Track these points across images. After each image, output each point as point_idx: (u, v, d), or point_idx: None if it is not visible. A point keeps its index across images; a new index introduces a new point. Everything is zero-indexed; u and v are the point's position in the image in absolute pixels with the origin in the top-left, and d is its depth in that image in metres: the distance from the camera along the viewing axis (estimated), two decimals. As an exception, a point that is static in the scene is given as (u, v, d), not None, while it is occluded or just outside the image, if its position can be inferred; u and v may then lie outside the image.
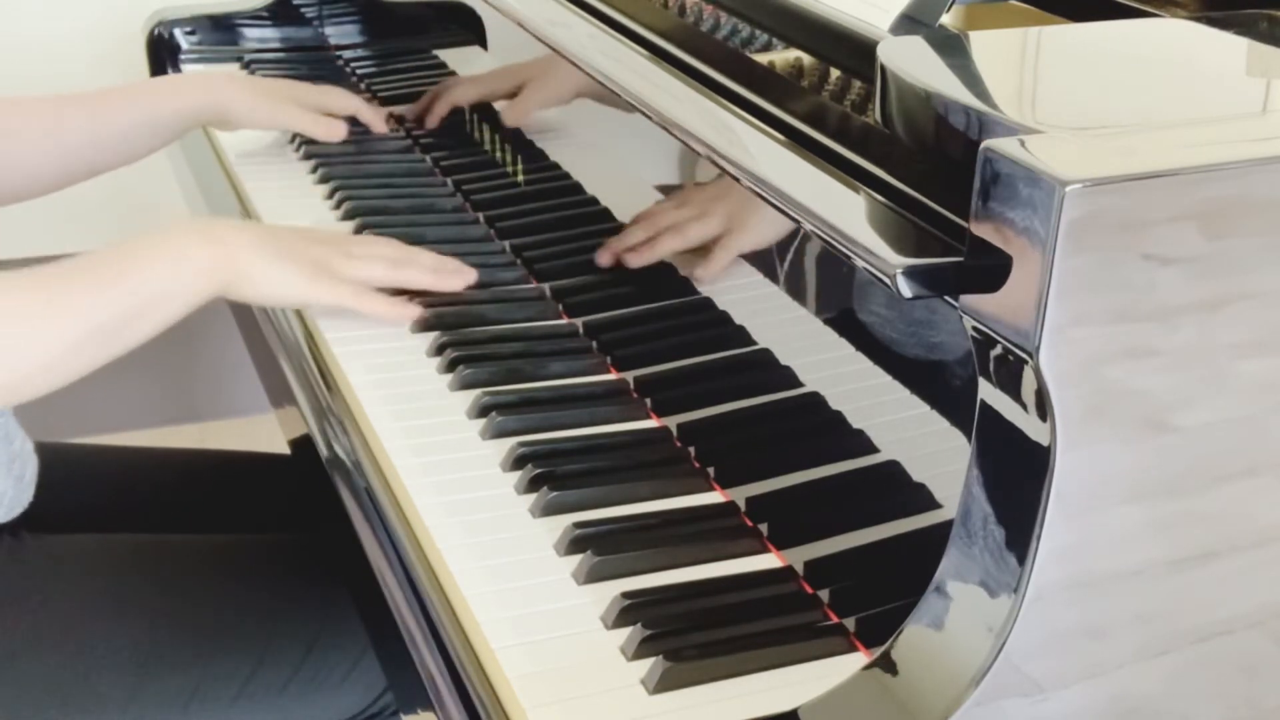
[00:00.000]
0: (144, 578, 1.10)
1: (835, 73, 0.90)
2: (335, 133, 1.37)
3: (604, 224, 1.09)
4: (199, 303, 1.01)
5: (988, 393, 0.66)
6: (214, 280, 1.01)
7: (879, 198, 0.75)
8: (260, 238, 1.05)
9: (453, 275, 1.13)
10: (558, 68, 1.14)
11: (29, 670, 1.02)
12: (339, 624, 1.10)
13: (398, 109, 1.46)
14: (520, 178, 1.26)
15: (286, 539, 1.18)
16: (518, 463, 0.93)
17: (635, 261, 1.04)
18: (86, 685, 1.03)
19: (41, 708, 1.02)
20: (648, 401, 1.01)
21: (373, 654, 1.07)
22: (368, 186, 1.35)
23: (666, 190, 1.02)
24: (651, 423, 0.99)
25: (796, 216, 0.77)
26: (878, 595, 0.78)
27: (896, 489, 0.78)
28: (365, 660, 1.10)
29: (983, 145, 0.63)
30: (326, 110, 1.38)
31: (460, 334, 1.09)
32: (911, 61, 0.75)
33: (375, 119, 1.42)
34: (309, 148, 1.43)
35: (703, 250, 0.96)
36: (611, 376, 1.05)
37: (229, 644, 1.07)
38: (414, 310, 1.10)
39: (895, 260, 0.67)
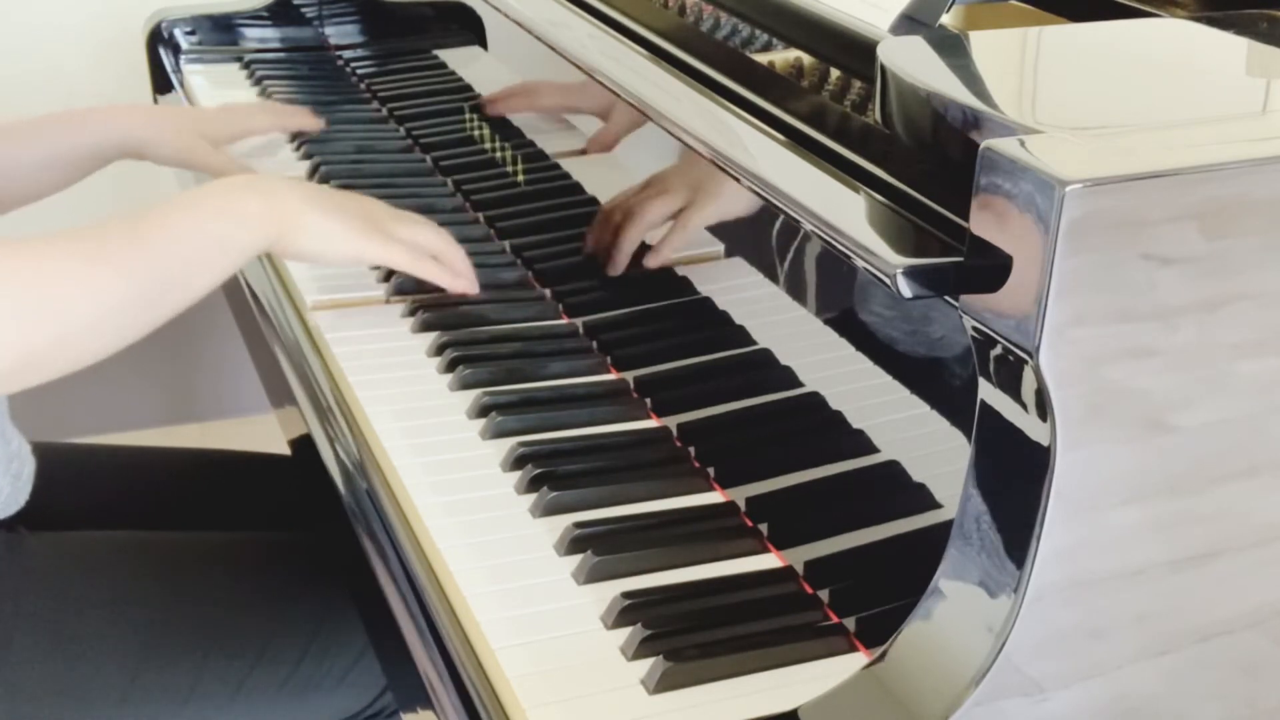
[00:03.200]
0: (143, 574, 1.10)
1: (835, 73, 0.90)
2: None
3: (604, 224, 1.08)
4: (250, 257, 0.99)
5: (988, 393, 0.66)
6: (265, 233, 0.98)
7: (879, 198, 0.75)
8: (312, 191, 1.03)
9: (467, 283, 1.11)
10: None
11: (27, 665, 1.02)
12: (339, 623, 1.10)
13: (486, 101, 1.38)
14: (520, 178, 1.26)
15: (286, 538, 1.18)
16: (518, 463, 0.93)
17: (617, 263, 1.04)
18: (84, 680, 1.03)
19: (39, 703, 1.02)
20: (648, 401, 1.01)
21: (372, 653, 1.07)
22: (368, 187, 1.35)
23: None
24: (651, 423, 0.99)
25: (796, 216, 0.77)
26: (878, 595, 0.78)
27: (896, 489, 0.78)
28: (365, 659, 1.10)
29: (983, 145, 0.63)
30: (242, 135, 1.36)
31: (460, 334, 1.09)
32: (911, 61, 0.75)
33: (305, 121, 1.42)
34: (309, 147, 1.43)
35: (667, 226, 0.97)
36: (611, 376, 1.05)
37: (228, 641, 1.07)
38: (472, 279, 1.09)
39: (895, 260, 0.67)
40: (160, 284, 0.93)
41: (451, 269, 1.10)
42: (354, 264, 1.10)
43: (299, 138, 1.45)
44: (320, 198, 1.03)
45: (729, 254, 0.94)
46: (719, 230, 0.95)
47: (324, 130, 1.44)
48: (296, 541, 1.17)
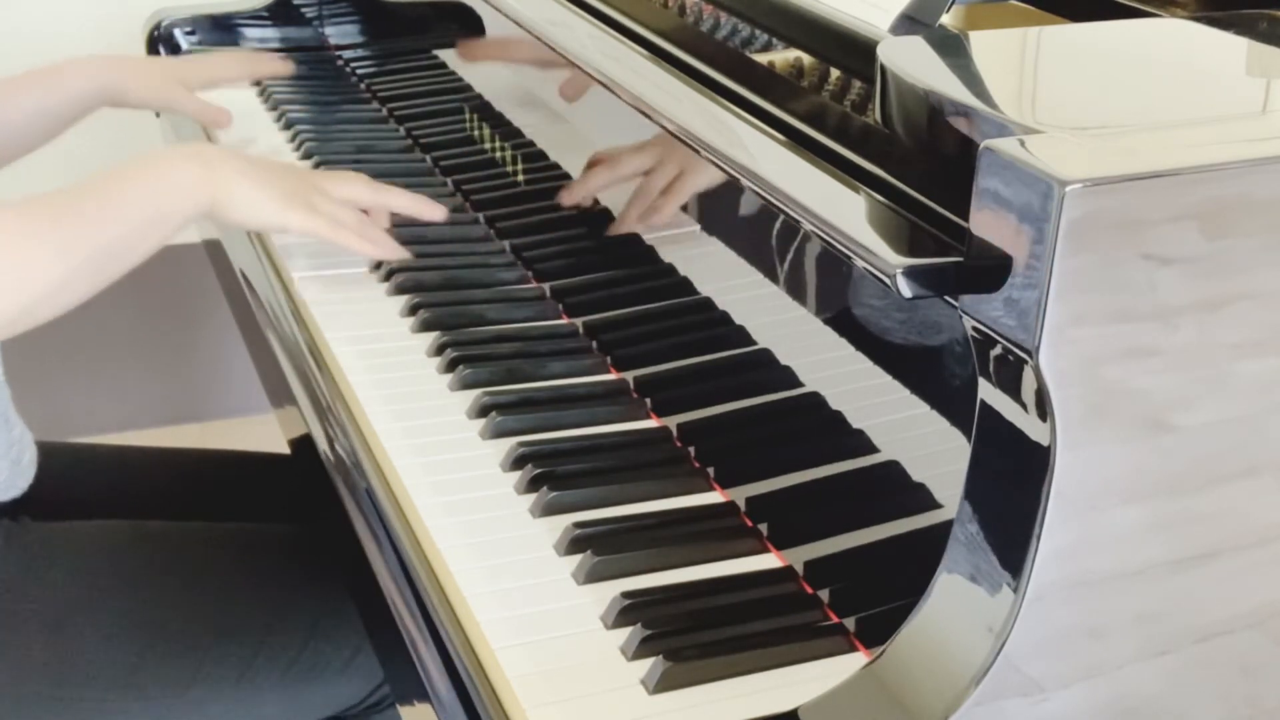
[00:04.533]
0: (145, 561, 1.10)
1: (835, 73, 0.90)
2: (220, 122, 1.40)
3: (604, 224, 1.09)
4: (187, 221, 1.03)
5: (988, 393, 0.66)
6: (198, 199, 1.03)
7: (879, 198, 0.75)
8: (244, 162, 1.07)
9: (426, 206, 1.15)
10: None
11: (30, 653, 1.03)
12: (339, 613, 1.10)
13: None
14: (520, 178, 1.26)
15: (287, 529, 1.18)
16: (518, 463, 0.93)
17: (573, 197, 1.07)
18: (87, 666, 1.03)
19: (42, 691, 1.02)
20: (648, 401, 1.01)
21: (371, 646, 1.07)
22: (368, 186, 1.35)
23: (665, 190, 1.01)
24: (651, 423, 0.99)
25: (796, 216, 0.77)
26: (878, 595, 0.78)
27: (896, 489, 0.78)
28: (365, 650, 1.10)
29: (982, 145, 0.63)
30: (216, 82, 1.41)
31: (460, 334, 1.09)
32: (911, 61, 0.75)
33: (276, 68, 1.47)
34: (309, 146, 1.43)
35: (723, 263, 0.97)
36: (611, 376, 1.05)
37: (229, 629, 1.07)
38: (388, 247, 1.13)
39: (895, 260, 0.67)
40: (98, 255, 0.98)
41: (410, 201, 1.14)
42: (278, 231, 1.15)
43: (300, 136, 1.45)
44: (251, 169, 1.06)
45: (729, 253, 0.94)
46: (719, 230, 0.95)
47: (323, 126, 1.45)
48: (297, 533, 1.17)
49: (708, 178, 0.94)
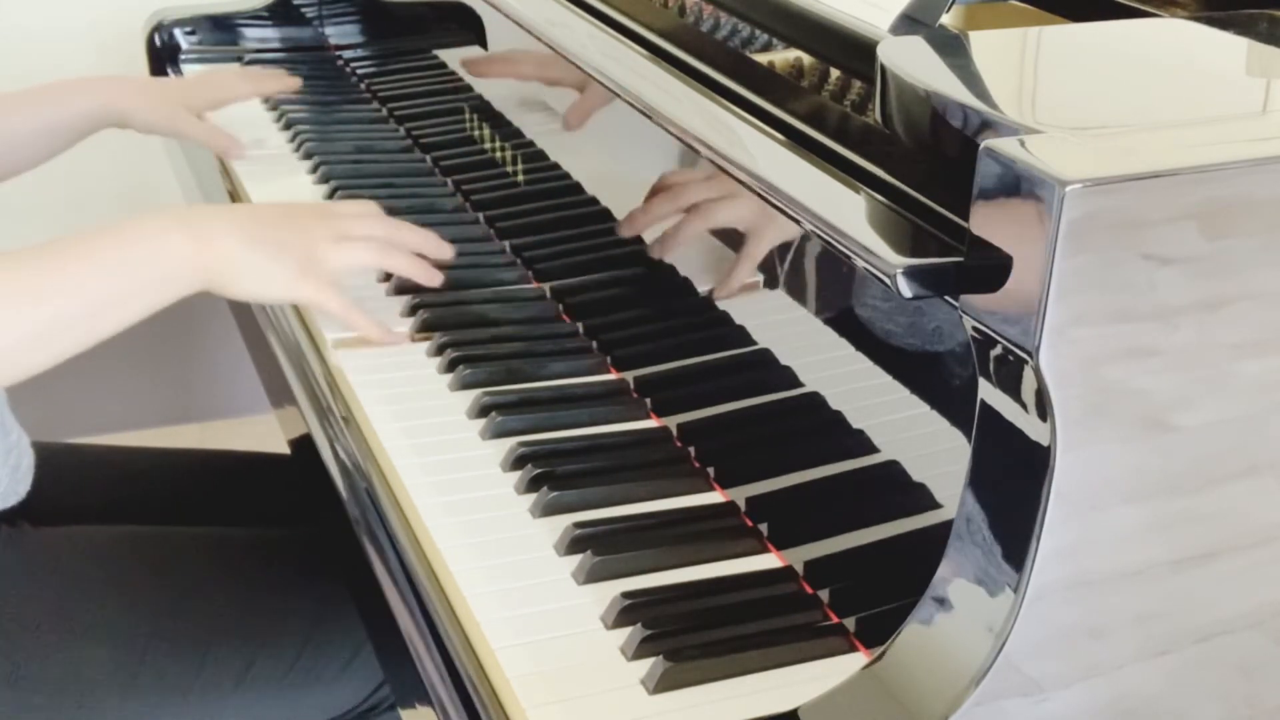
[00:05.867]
0: (144, 566, 1.10)
1: (835, 73, 0.90)
2: (231, 152, 1.37)
3: (604, 224, 1.09)
4: (177, 298, 0.97)
5: (988, 393, 0.66)
6: (194, 278, 0.96)
7: (879, 198, 0.75)
8: (246, 227, 0.99)
9: (433, 263, 1.09)
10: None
11: (30, 658, 1.03)
12: (339, 615, 1.10)
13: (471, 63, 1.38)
14: (520, 178, 1.26)
15: (287, 532, 1.18)
16: (518, 463, 0.93)
17: (663, 247, 1.01)
18: (87, 671, 1.03)
19: (43, 696, 1.02)
20: (648, 401, 1.01)
21: (371, 647, 1.07)
22: (368, 186, 1.35)
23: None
24: (651, 423, 0.99)
25: (796, 216, 0.77)
26: (878, 595, 0.78)
27: (896, 489, 0.78)
28: (366, 652, 1.10)
29: (982, 145, 0.63)
30: (223, 102, 1.38)
31: (460, 334, 1.09)
32: (911, 61, 0.75)
33: (285, 83, 1.45)
34: (309, 146, 1.43)
35: (715, 250, 0.96)
36: (611, 376, 1.05)
37: (229, 633, 1.07)
38: (401, 336, 1.09)
39: (895, 260, 0.67)
40: (80, 315, 0.92)
41: (417, 260, 1.07)
42: (287, 304, 1.10)
43: (300, 136, 1.45)
44: (253, 232, 0.99)
45: (729, 254, 0.94)
46: (719, 229, 0.95)
47: (323, 126, 1.45)
48: (297, 536, 1.17)
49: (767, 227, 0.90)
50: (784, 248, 0.86)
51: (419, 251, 1.09)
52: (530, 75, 1.23)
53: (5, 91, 1.27)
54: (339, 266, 1.02)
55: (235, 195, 1.37)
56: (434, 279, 1.09)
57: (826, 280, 0.83)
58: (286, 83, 1.46)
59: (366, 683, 1.12)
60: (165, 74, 1.68)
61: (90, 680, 1.03)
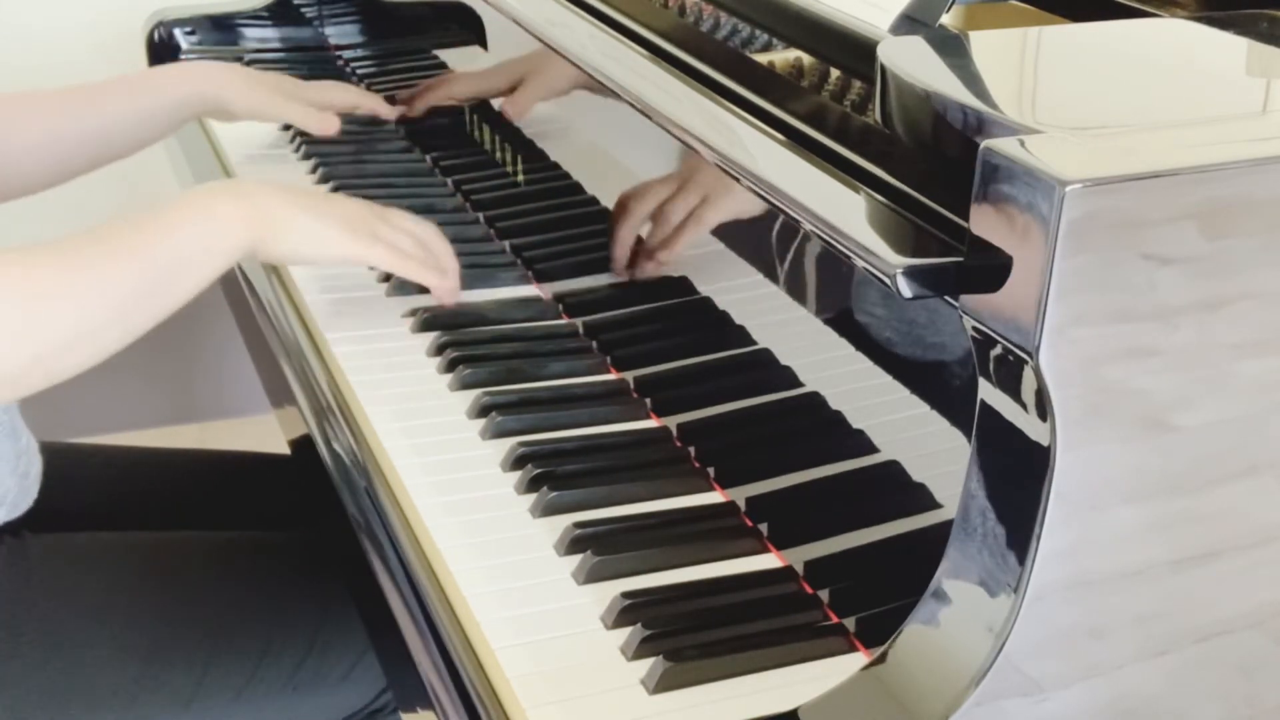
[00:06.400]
0: (145, 575, 1.10)
1: (835, 73, 0.90)
2: (328, 128, 1.35)
3: (604, 224, 1.09)
4: (232, 262, 0.98)
5: (988, 393, 0.66)
6: (246, 237, 0.98)
7: (879, 198, 0.75)
8: (291, 194, 1.02)
9: (450, 290, 1.11)
10: (553, 61, 1.13)
11: (31, 667, 1.02)
12: (340, 620, 1.10)
13: (401, 99, 1.44)
14: (520, 178, 1.26)
15: (287, 537, 1.18)
16: (518, 463, 0.93)
17: (657, 268, 1.02)
18: (89, 683, 1.03)
19: (44, 705, 1.02)
20: (648, 401, 1.01)
21: (373, 650, 1.07)
22: (368, 186, 1.35)
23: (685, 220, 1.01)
24: (651, 423, 0.99)
25: (796, 216, 0.77)
26: (878, 595, 0.78)
27: (896, 489, 0.78)
28: (368, 655, 1.10)
29: (982, 145, 0.63)
30: (325, 105, 1.36)
31: (460, 334, 1.09)
32: (911, 61, 0.75)
33: (380, 107, 1.41)
34: (309, 147, 1.43)
35: (684, 224, 0.96)
36: (611, 376, 1.05)
37: (232, 641, 1.07)
38: (454, 285, 1.09)
39: (895, 260, 0.67)
40: (143, 293, 0.93)
41: (438, 266, 1.09)
42: (339, 263, 1.10)
43: (299, 137, 1.45)
44: (300, 199, 1.02)
45: (729, 254, 0.94)
46: (719, 230, 0.95)
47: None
48: (298, 540, 1.17)
49: (733, 203, 0.92)
50: (784, 248, 0.86)
51: (444, 274, 1.10)
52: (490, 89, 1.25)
53: (102, 80, 1.26)
54: (387, 239, 1.04)
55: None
56: (453, 297, 1.10)
57: (826, 280, 0.83)
58: (382, 105, 1.41)
59: (370, 686, 1.12)
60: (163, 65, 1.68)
61: (92, 691, 1.03)
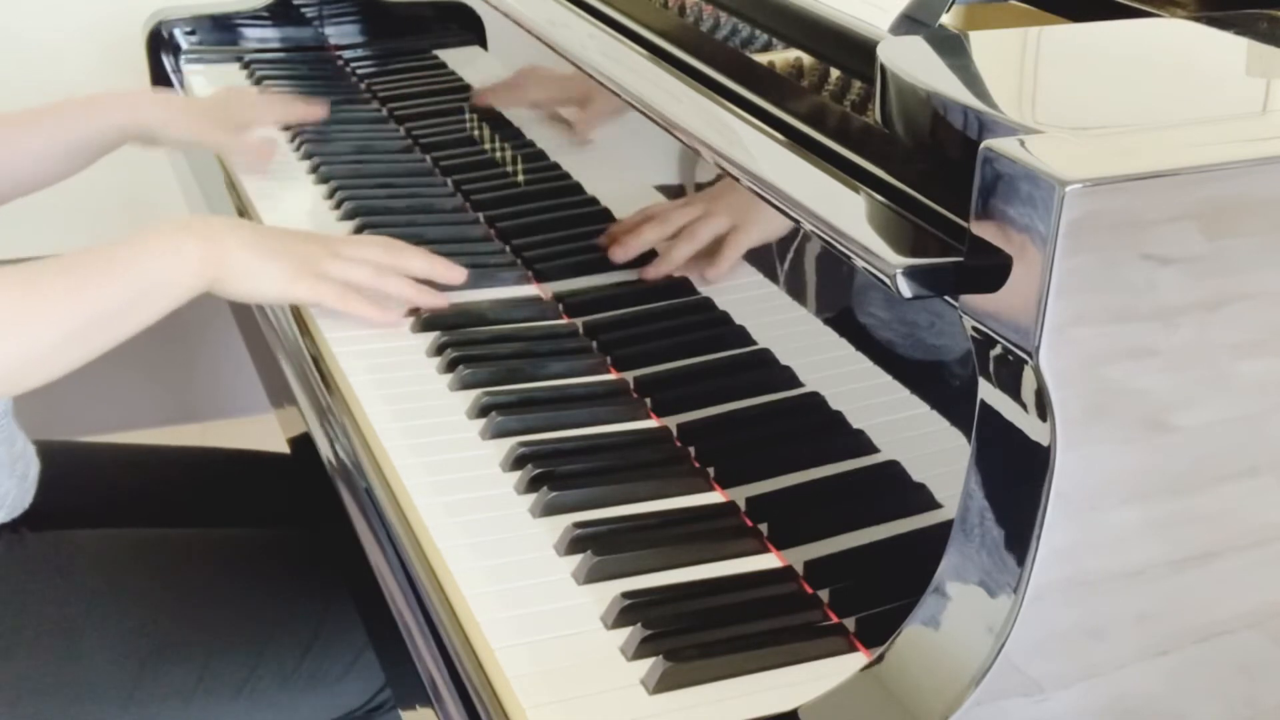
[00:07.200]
0: (145, 573, 1.10)
1: (835, 73, 0.90)
2: (256, 166, 1.37)
3: (604, 224, 1.09)
4: (187, 297, 1.01)
5: (988, 393, 0.66)
6: (203, 276, 1.01)
7: (879, 198, 0.75)
8: (251, 235, 1.05)
9: (439, 287, 1.12)
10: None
11: (32, 665, 1.02)
12: (340, 618, 1.10)
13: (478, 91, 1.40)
14: (520, 178, 1.26)
15: (287, 535, 1.18)
16: (518, 463, 0.93)
17: (652, 274, 1.03)
18: (89, 680, 1.03)
19: (44, 703, 1.02)
20: (648, 401, 1.01)
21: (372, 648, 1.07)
22: (367, 186, 1.36)
23: (666, 190, 1.01)
24: (651, 423, 0.99)
25: (796, 216, 0.77)
26: (878, 595, 0.78)
27: (896, 489, 0.78)
28: (367, 654, 1.10)
29: (983, 145, 0.63)
30: (253, 125, 1.38)
31: (460, 334, 1.09)
32: (911, 61, 0.75)
33: (309, 113, 1.43)
34: (309, 147, 1.43)
35: (710, 250, 0.96)
36: (611, 376, 1.05)
37: (231, 638, 1.07)
38: (396, 315, 1.10)
39: (895, 260, 0.67)
40: (103, 318, 0.97)
41: (417, 286, 1.10)
42: (286, 304, 1.13)
43: (299, 137, 1.45)
44: (257, 239, 1.05)
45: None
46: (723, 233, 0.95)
47: (323, 126, 1.45)
48: (298, 538, 1.17)
49: (761, 228, 0.91)
50: (784, 248, 0.86)
51: (424, 277, 1.11)
52: (540, 99, 1.23)
53: (28, 108, 1.27)
54: (335, 277, 1.07)
55: (240, 201, 1.37)
56: (433, 301, 1.11)
57: (826, 280, 0.83)
58: (311, 111, 1.44)
59: (368, 686, 1.12)
60: (165, 75, 1.68)
61: (92, 693, 1.03)
